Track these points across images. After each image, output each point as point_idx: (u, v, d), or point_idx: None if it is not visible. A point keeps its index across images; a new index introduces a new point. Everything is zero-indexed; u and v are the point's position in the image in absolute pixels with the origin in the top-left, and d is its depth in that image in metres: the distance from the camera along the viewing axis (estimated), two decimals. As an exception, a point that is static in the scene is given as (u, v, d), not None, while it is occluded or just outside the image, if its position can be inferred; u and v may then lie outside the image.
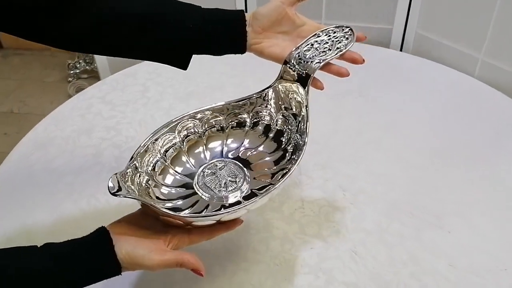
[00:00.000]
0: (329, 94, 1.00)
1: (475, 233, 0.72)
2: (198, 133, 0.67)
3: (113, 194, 0.52)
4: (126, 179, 0.56)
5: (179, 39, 0.59)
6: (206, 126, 0.67)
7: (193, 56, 0.62)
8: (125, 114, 0.96)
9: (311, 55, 0.64)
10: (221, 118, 0.68)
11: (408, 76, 1.07)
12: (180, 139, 0.66)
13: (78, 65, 2.24)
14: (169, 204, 0.60)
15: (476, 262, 0.68)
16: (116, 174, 0.55)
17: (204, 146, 0.67)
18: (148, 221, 0.54)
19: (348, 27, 0.66)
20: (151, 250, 0.49)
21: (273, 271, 0.67)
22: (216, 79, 1.05)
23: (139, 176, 0.60)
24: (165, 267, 0.50)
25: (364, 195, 0.78)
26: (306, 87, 0.64)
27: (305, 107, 0.63)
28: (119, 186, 0.53)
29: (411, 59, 1.13)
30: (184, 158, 0.66)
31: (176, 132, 0.65)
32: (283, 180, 0.57)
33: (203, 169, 0.65)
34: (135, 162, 0.59)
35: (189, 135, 0.67)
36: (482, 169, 0.82)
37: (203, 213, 0.59)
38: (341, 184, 0.80)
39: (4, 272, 0.42)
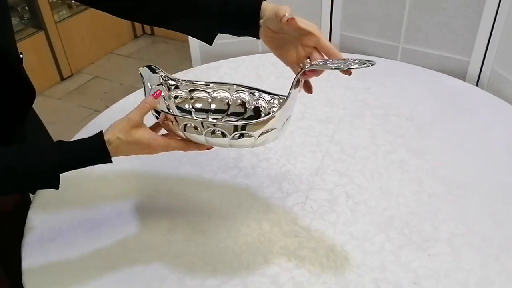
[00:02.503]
0: (377, 113, 1.07)
1: (454, 264, 0.74)
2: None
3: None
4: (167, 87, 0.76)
5: (201, 20, 0.72)
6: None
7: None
8: (196, 99, 1.14)
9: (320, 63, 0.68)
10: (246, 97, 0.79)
11: (468, 110, 1.06)
12: (231, 95, 0.79)
13: (206, 58, 2.52)
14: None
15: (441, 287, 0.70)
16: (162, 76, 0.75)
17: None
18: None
19: (373, 63, 0.64)
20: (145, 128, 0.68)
21: (255, 245, 0.78)
22: (281, 83, 1.17)
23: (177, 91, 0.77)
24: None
25: (365, 206, 0.84)
26: (296, 76, 0.68)
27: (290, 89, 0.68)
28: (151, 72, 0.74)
29: (478, 94, 1.12)
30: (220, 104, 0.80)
31: (231, 92, 0.79)
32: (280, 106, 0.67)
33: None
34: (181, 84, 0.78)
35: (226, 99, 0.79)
36: (498, 212, 0.82)
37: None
38: (348, 192, 0.87)
39: (17, 167, 0.61)
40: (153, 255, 0.77)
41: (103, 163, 0.67)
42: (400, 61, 1.29)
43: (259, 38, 0.72)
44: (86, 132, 1.06)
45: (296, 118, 1.06)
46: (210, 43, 0.76)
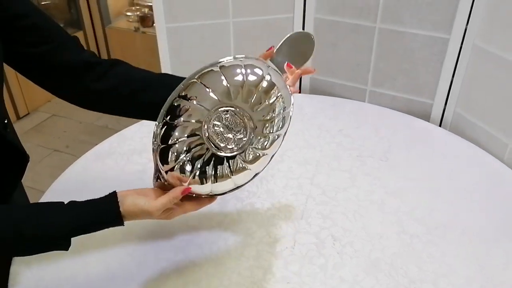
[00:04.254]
0: (353, 154, 1.11)
1: (442, 302, 0.77)
2: None
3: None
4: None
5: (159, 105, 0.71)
6: None
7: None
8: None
9: None
10: None
11: (437, 150, 1.13)
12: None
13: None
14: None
15: (433, 328, 0.73)
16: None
17: None
18: (155, 193, 0.68)
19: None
20: (149, 199, 0.65)
21: (249, 294, 0.78)
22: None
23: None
24: (163, 207, 0.65)
25: (351, 248, 0.87)
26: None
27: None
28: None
29: (444, 134, 1.19)
30: None
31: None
32: None
33: None
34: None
35: None
36: (477, 251, 0.87)
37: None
38: (334, 235, 0.89)
39: (33, 225, 0.60)
40: (145, 309, 0.76)
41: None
42: (368, 103, 1.36)
43: None
44: (63, 181, 1.03)
45: (275, 161, 1.08)
46: None
